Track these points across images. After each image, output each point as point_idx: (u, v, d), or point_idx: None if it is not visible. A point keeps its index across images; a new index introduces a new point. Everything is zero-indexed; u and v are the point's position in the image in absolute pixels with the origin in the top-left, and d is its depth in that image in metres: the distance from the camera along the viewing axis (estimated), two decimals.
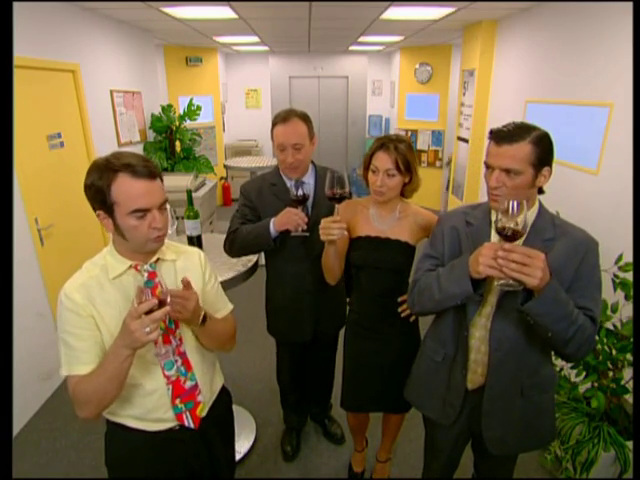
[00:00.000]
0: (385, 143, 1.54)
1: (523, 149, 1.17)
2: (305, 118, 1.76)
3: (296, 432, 2.40)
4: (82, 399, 1.10)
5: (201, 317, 1.20)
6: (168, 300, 1.04)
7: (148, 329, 0.99)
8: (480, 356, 1.35)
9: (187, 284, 1.14)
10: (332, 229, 1.45)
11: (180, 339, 1.23)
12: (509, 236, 1.07)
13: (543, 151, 1.19)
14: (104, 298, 1.12)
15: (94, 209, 1.11)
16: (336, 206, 1.50)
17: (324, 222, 1.48)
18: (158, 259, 1.20)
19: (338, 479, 2.21)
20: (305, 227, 1.64)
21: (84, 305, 1.10)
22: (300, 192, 1.61)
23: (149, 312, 1.00)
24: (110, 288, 1.13)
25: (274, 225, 1.71)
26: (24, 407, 2.58)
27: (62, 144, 3.03)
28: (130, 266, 1.15)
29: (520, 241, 1.22)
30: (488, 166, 1.25)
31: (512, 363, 1.32)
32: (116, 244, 1.16)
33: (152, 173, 1.09)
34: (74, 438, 2.46)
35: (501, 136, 1.20)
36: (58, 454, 2.36)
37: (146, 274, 1.16)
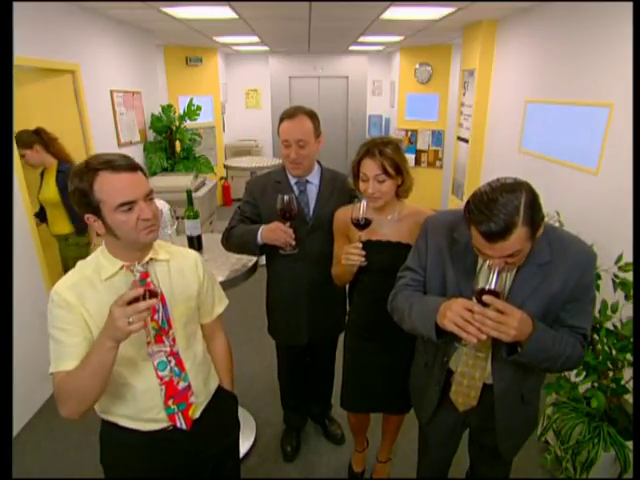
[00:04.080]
0: (370, 149, 1.50)
1: (520, 235, 1.03)
2: (312, 115, 1.76)
3: (296, 432, 2.40)
4: (64, 394, 1.09)
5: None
6: (159, 292, 1.03)
7: (131, 319, 0.96)
8: (473, 382, 1.33)
9: None
10: (353, 254, 1.47)
11: (173, 339, 1.23)
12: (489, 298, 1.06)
13: (535, 220, 1.06)
14: (96, 298, 1.12)
15: (82, 216, 1.10)
16: (358, 233, 1.52)
17: (347, 247, 1.51)
18: (151, 259, 1.19)
19: (338, 479, 2.21)
20: (293, 243, 1.64)
21: (75, 304, 1.10)
22: (288, 213, 1.61)
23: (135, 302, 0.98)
24: (102, 288, 1.13)
25: (262, 235, 1.71)
26: (24, 407, 2.57)
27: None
28: (122, 267, 1.14)
29: (514, 268, 1.21)
30: (482, 253, 1.12)
31: (515, 385, 1.33)
32: (108, 244, 1.16)
33: (132, 166, 1.09)
34: (74, 438, 2.46)
35: (492, 234, 1.02)
36: (58, 454, 2.36)
37: (138, 274, 1.14)
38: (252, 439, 2.39)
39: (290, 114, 1.73)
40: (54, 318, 1.10)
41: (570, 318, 1.21)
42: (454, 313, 1.08)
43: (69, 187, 1.09)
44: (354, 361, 1.83)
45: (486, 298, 1.05)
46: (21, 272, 2.48)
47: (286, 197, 1.60)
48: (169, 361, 1.22)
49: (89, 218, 1.09)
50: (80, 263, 1.18)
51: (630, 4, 2.21)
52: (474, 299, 1.10)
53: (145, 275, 1.14)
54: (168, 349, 1.22)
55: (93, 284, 1.13)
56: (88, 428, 2.51)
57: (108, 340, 1.01)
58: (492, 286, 1.05)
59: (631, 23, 2.20)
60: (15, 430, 2.49)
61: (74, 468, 2.27)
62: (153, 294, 1.01)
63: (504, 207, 1.01)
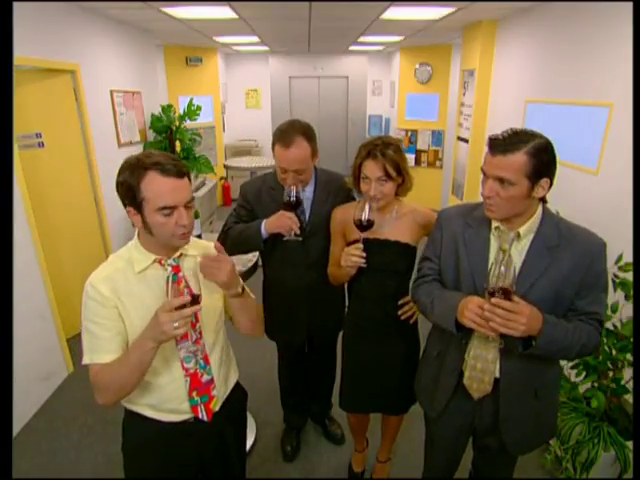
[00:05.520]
0: (372, 150, 1.50)
1: (517, 160, 1.13)
2: (308, 136, 1.66)
3: (296, 432, 2.40)
4: (102, 386, 1.15)
5: (240, 286, 1.24)
6: (200, 298, 1.09)
7: (177, 324, 1.03)
8: (487, 365, 1.34)
9: (220, 249, 1.19)
10: (353, 256, 1.47)
11: (200, 333, 1.26)
12: (501, 296, 1.11)
13: (541, 162, 1.14)
14: (129, 290, 1.16)
15: (124, 205, 1.14)
16: (361, 236, 1.50)
17: (348, 249, 1.50)
18: (181, 254, 1.23)
19: (338, 479, 2.21)
20: (298, 231, 1.63)
21: (109, 297, 1.14)
22: (293, 197, 1.60)
23: (180, 308, 1.04)
24: (135, 281, 1.17)
25: (265, 227, 1.69)
26: (24, 407, 2.58)
27: (42, 144, 2.99)
28: (154, 260, 1.18)
29: (524, 249, 1.25)
30: (484, 173, 1.22)
31: (524, 369, 1.33)
32: (141, 238, 1.20)
33: (180, 172, 1.12)
34: (74, 438, 2.46)
35: (495, 145, 1.17)
36: (58, 454, 2.36)
37: (170, 268, 1.19)
38: (252, 439, 2.39)
39: (285, 140, 1.61)
40: (88, 310, 1.14)
41: (586, 305, 1.25)
42: (471, 312, 1.17)
43: (117, 177, 1.12)
44: (353, 361, 1.83)
45: (494, 300, 1.11)
46: (21, 273, 2.48)
47: (292, 188, 1.61)
48: (195, 354, 1.26)
49: (130, 211, 1.13)
50: (112, 256, 1.22)
51: (630, 4, 2.21)
52: (487, 296, 1.15)
53: (177, 269, 1.19)
54: (194, 342, 1.25)
55: (126, 277, 1.17)
56: (88, 428, 2.52)
57: (150, 341, 1.08)
58: (502, 284, 1.10)
59: (631, 23, 2.20)
60: (15, 430, 2.49)
61: (74, 468, 2.27)
62: (195, 300, 1.06)
63: (517, 134, 1.16)
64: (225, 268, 1.16)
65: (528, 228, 1.25)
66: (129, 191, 1.09)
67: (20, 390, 2.43)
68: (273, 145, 1.69)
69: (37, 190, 2.79)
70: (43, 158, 2.97)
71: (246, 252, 1.97)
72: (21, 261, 2.49)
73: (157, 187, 1.09)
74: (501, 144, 1.15)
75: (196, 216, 2.12)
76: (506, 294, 1.11)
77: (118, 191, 1.13)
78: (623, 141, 2.32)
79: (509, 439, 1.41)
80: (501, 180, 1.16)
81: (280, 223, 1.64)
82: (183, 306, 1.04)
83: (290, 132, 1.63)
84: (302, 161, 1.66)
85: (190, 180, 1.17)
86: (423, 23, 4.19)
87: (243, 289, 1.27)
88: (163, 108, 4.84)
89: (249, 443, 2.35)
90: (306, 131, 1.67)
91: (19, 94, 2.49)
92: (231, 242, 1.81)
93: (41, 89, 2.88)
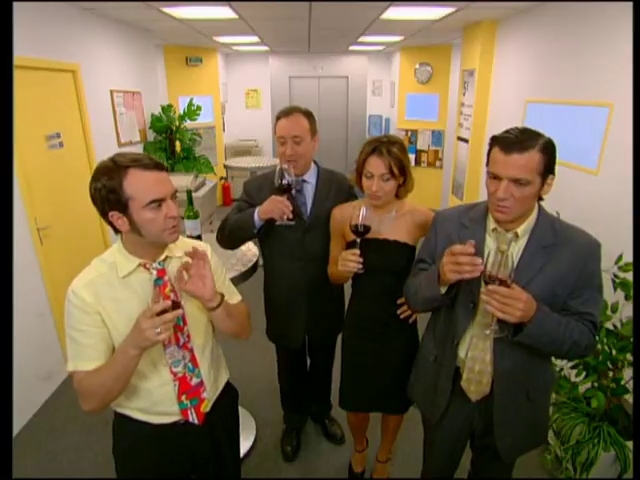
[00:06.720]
0: (377, 147, 1.50)
1: (533, 158, 1.12)
2: (308, 114, 1.78)
3: (296, 432, 2.40)
4: (87, 393, 1.13)
5: (218, 299, 1.21)
6: (182, 303, 1.08)
7: (158, 329, 1.01)
8: (484, 366, 1.33)
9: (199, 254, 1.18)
10: (350, 261, 1.46)
11: (188, 336, 1.25)
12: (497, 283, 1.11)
13: (550, 159, 1.15)
14: (112, 296, 1.14)
15: (105, 212, 1.10)
16: (357, 240, 1.50)
17: (345, 254, 1.49)
18: (166, 257, 1.21)
19: (338, 479, 2.21)
20: (291, 216, 1.62)
21: (91, 303, 1.11)
22: (285, 181, 1.61)
23: (162, 313, 1.03)
24: (119, 286, 1.15)
25: (259, 214, 1.70)
26: (24, 407, 2.58)
27: (62, 144, 3.03)
28: (139, 264, 1.16)
29: (520, 249, 1.25)
30: (494, 176, 1.18)
31: (518, 371, 1.32)
32: (126, 242, 1.17)
33: (159, 165, 1.12)
34: (74, 438, 2.46)
35: (510, 144, 1.13)
36: (58, 454, 2.36)
37: (155, 272, 1.17)
38: (252, 439, 2.39)
39: (286, 112, 1.75)
40: (71, 317, 1.12)
41: (580, 305, 1.23)
42: (447, 264, 1.16)
43: (93, 184, 1.08)
44: (352, 360, 1.83)
45: (491, 287, 1.10)
46: (21, 273, 2.48)
47: (284, 166, 1.62)
48: (183, 357, 1.24)
49: (113, 216, 1.10)
50: (95, 260, 1.19)
51: (630, 4, 2.21)
52: (482, 283, 1.15)
53: (162, 273, 1.17)
54: (182, 345, 1.23)
55: (110, 282, 1.14)
56: (88, 428, 2.52)
57: (133, 348, 1.06)
58: (499, 272, 1.10)
59: (631, 23, 2.20)
60: (15, 430, 2.49)
61: (74, 468, 2.27)
62: (177, 305, 1.06)
63: (527, 131, 1.16)
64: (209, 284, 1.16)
65: (525, 228, 1.24)
66: (111, 194, 1.06)
67: (20, 390, 2.43)
68: (276, 123, 1.77)
69: (41, 188, 2.78)
70: (62, 157, 3.00)
71: (242, 241, 1.93)
72: (21, 259, 2.49)
73: (142, 183, 1.06)
74: (516, 142, 1.12)
75: (196, 216, 2.12)
76: (502, 283, 1.10)
77: (95, 199, 1.09)
78: (623, 141, 2.32)
79: (502, 444, 1.40)
80: (516, 180, 1.13)
81: (272, 207, 1.64)
82: (165, 311, 1.03)
83: (291, 108, 1.78)
84: (300, 129, 1.73)
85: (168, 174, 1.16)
86: (423, 23, 4.19)
87: (222, 300, 1.23)
88: (163, 108, 4.84)
89: (249, 443, 2.36)
90: (306, 110, 1.79)
91: (19, 94, 2.49)
92: (228, 230, 1.83)
93: (41, 89, 2.87)
